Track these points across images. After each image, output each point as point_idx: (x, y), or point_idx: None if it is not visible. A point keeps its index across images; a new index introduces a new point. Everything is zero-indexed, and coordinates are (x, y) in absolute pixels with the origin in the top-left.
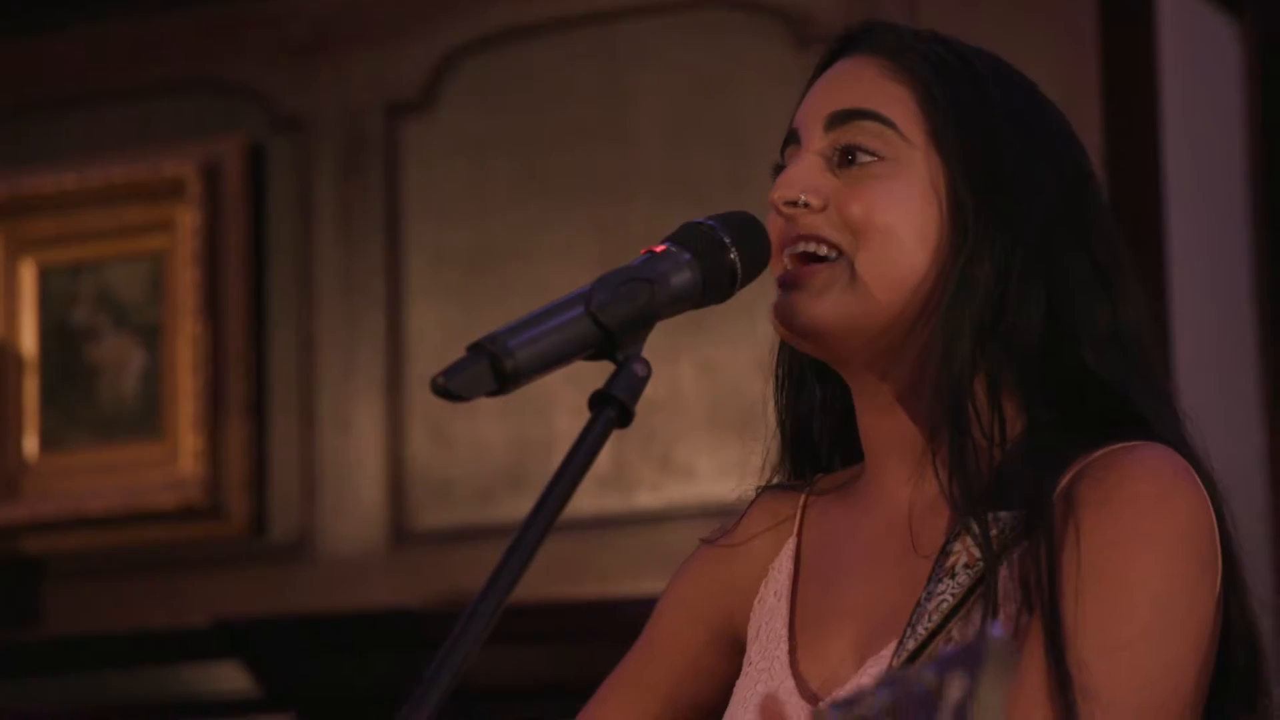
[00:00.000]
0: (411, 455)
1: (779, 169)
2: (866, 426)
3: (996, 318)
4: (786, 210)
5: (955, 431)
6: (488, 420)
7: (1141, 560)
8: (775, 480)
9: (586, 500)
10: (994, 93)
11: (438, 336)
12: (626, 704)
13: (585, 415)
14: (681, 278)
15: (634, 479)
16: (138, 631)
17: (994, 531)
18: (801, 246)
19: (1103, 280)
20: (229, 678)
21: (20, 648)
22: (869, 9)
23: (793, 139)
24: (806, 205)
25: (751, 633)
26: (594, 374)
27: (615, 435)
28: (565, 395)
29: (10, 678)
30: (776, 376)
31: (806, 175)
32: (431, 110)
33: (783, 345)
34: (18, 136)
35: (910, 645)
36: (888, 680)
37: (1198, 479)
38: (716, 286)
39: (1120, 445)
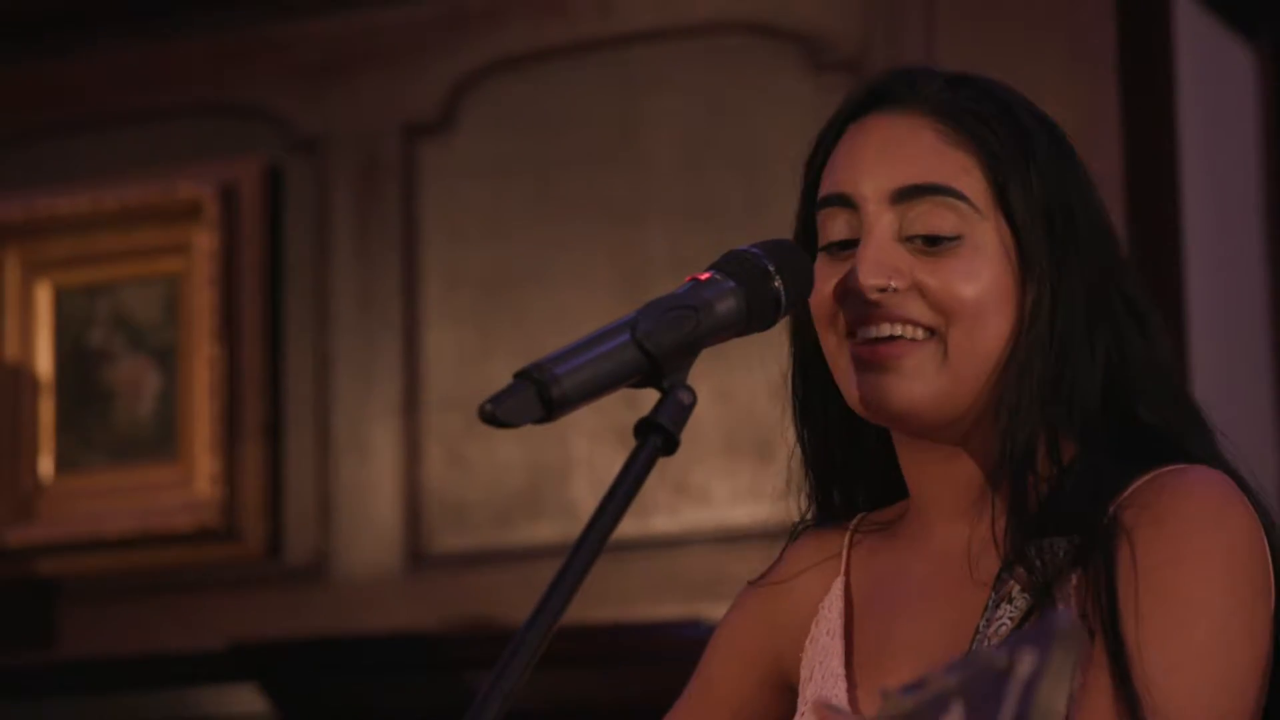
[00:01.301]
0: (428, 478)
1: (809, 215)
2: (916, 474)
3: (1060, 375)
4: (875, 297)
5: (1017, 480)
6: (504, 444)
7: (1200, 577)
8: (810, 513)
9: None
10: (1038, 141)
11: (454, 359)
12: None
13: (603, 440)
14: (726, 305)
15: (650, 504)
16: (153, 654)
17: (1048, 557)
18: (889, 330)
19: (1140, 321)
20: (244, 701)
21: (35, 670)
22: (887, 36)
23: (842, 202)
24: (895, 290)
25: (804, 674)
26: (611, 398)
27: None
28: (583, 419)
29: (25, 700)
30: (795, 406)
31: (888, 258)
32: (448, 133)
33: (797, 375)
34: (34, 158)
35: None
36: (957, 663)
37: (1246, 500)
38: (760, 314)
39: (1170, 468)
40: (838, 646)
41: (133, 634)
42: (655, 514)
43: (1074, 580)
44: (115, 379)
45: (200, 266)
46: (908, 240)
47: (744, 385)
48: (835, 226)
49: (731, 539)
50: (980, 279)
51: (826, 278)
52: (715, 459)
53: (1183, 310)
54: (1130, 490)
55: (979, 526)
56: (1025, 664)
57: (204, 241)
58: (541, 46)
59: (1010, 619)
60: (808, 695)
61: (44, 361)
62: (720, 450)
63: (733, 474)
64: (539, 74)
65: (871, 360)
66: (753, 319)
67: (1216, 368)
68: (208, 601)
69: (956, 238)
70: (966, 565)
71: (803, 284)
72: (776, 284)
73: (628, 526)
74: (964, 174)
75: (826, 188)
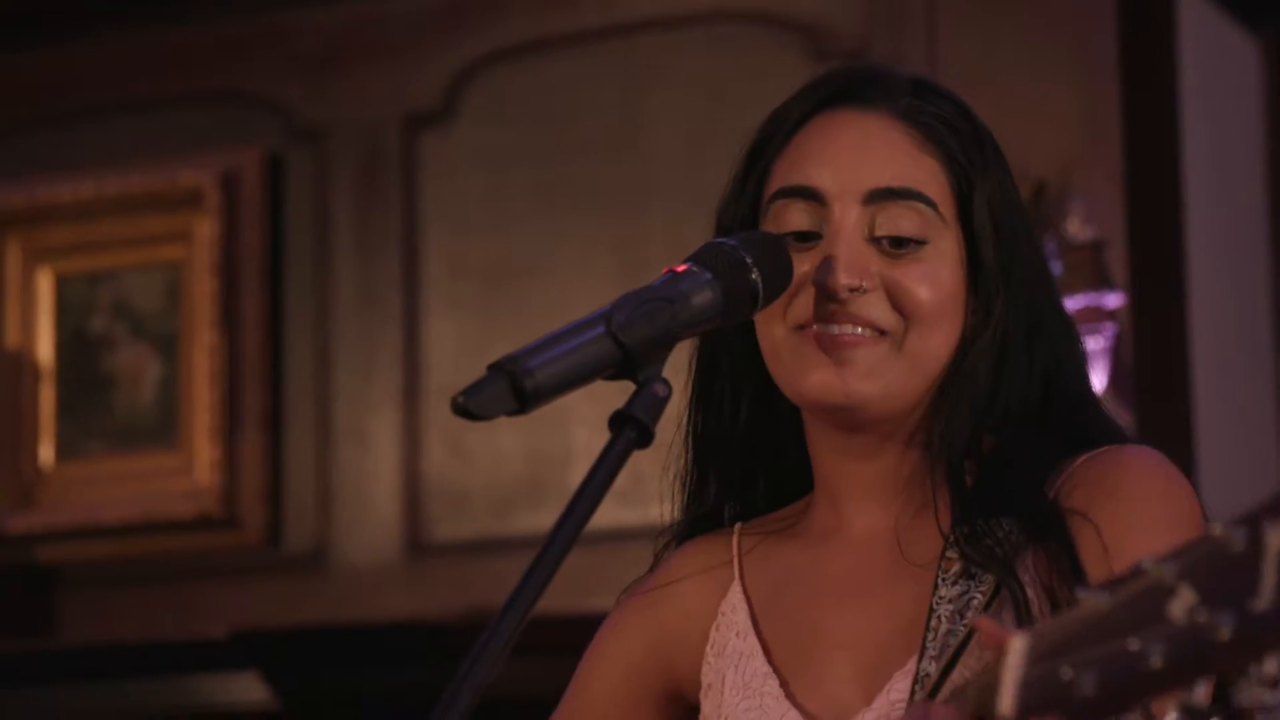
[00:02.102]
0: (428, 467)
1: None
2: (837, 468)
3: (997, 383)
4: (845, 296)
5: (954, 479)
6: (504, 433)
7: (1159, 539)
8: (677, 506)
9: (603, 514)
10: (991, 158)
11: (454, 349)
12: None
13: (603, 429)
14: (703, 298)
15: (651, 493)
16: (153, 641)
17: (1000, 536)
18: (851, 329)
19: (1064, 322)
20: (244, 688)
21: (35, 656)
22: (889, 26)
23: (807, 194)
24: (864, 290)
25: (706, 680)
26: (613, 388)
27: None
28: (583, 408)
29: (25, 686)
30: (696, 390)
31: (860, 259)
32: (449, 123)
33: (704, 359)
34: (36, 146)
35: (951, 642)
36: (1169, 554)
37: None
38: (737, 306)
39: (1105, 448)
40: (755, 647)
41: (133, 621)
42: (655, 503)
43: (1030, 557)
44: (116, 366)
45: (201, 254)
46: (874, 240)
47: None
48: (794, 217)
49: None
50: (939, 284)
51: (812, 290)
52: None
53: (1185, 301)
54: (1071, 469)
55: (904, 513)
56: (1276, 535)
57: (205, 229)
58: (543, 37)
59: (980, 593)
60: (725, 697)
61: (45, 349)
62: None
63: None
64: (540, 64)
65: (830, 349)
66: (730, 311)
67: (1219, 359)
68: (208, 589)
69: (922, 242)
70: (897, 550)
71: (781, 276)
72: (754, 276)
73: (627, 515)
74: (932, 180)
75: (790, 177)
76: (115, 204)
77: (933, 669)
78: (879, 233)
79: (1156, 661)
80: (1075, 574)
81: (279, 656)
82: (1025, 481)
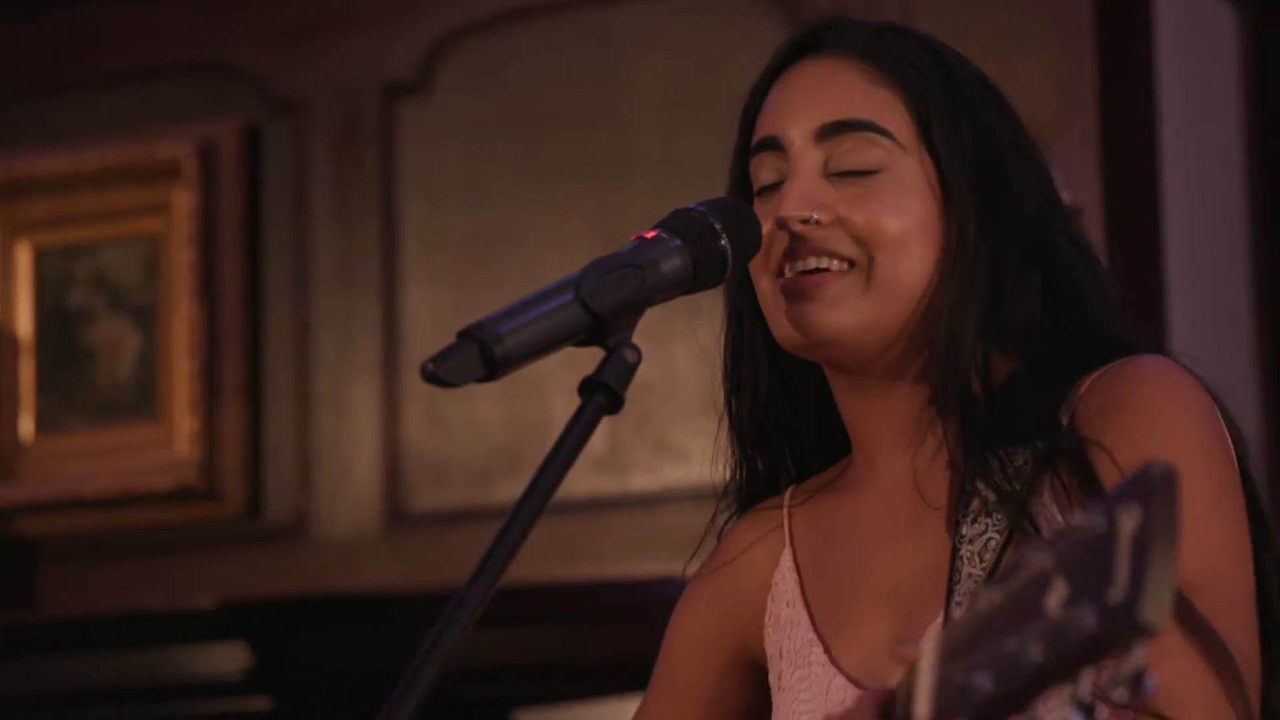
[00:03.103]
0: (407, 437)
1: (741, 168)
2: (858, 413)
3: (996, 308)
4: (799, 229)
5: (963, 399)
6: (483, 402)
7: (1184, 447)
8: (733, 486)
9: (581, 482)
10: (968, 86)
11: (433, 319)
12: None
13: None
14: (672, 264)
15: (629, 461)
16: (133, 613)
17: (1011, 470)
18: (815, 263)
19: (1079, 248)
20: (226, 659)
21: (15, 629)
22: None
23: (772, 145)
24: (818, 222)
25: (771, 650)
26: (591, 356)
27: (610, 417)
28: (562, 377)
29: (5, 659)
30: (728, 366)
31: (812, 192)
32: (427, 93)
33: (732, 335)
34: (13, 119)
35: (970, 587)
36: (1046, 540)
37: (1199, 381)
38: (707, 272)
39: (1114, 363)
40: (802, 615)
41: (113, 593)
42: (634, 471)
43: (1046, 486)
44: (95, 339)
45: (180, 226)
46: (834, 176)
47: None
48: (765, 172)
49: (710, 497)
50: (904, 212)
51: (776, 230)
52: (694, 417)
53: (1161, 268)
54: (1081, 389)
55: (922, 454)
56: (1129, 520)
57: (183, 201)
58: (521, 6)
59: (998, 533)
60: (783, 670)
61: (24, 322)
62: (699, 408)
63: (711, 432)
64: (519, 33)
65: (796, 290)
66: (699, 277)
67: (1195, 326)
68: (188, 561)
69: (878, 171)
70: (917, 495)
71: (750, 241)
72: (723, 242)
73: (607, 484)
74: (888, 111)
75: (758, 134)
76: (93, 177)
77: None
78: (836, 168)
79: (1037, 657)
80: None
81: (258, 627)
82: (1036, 408)
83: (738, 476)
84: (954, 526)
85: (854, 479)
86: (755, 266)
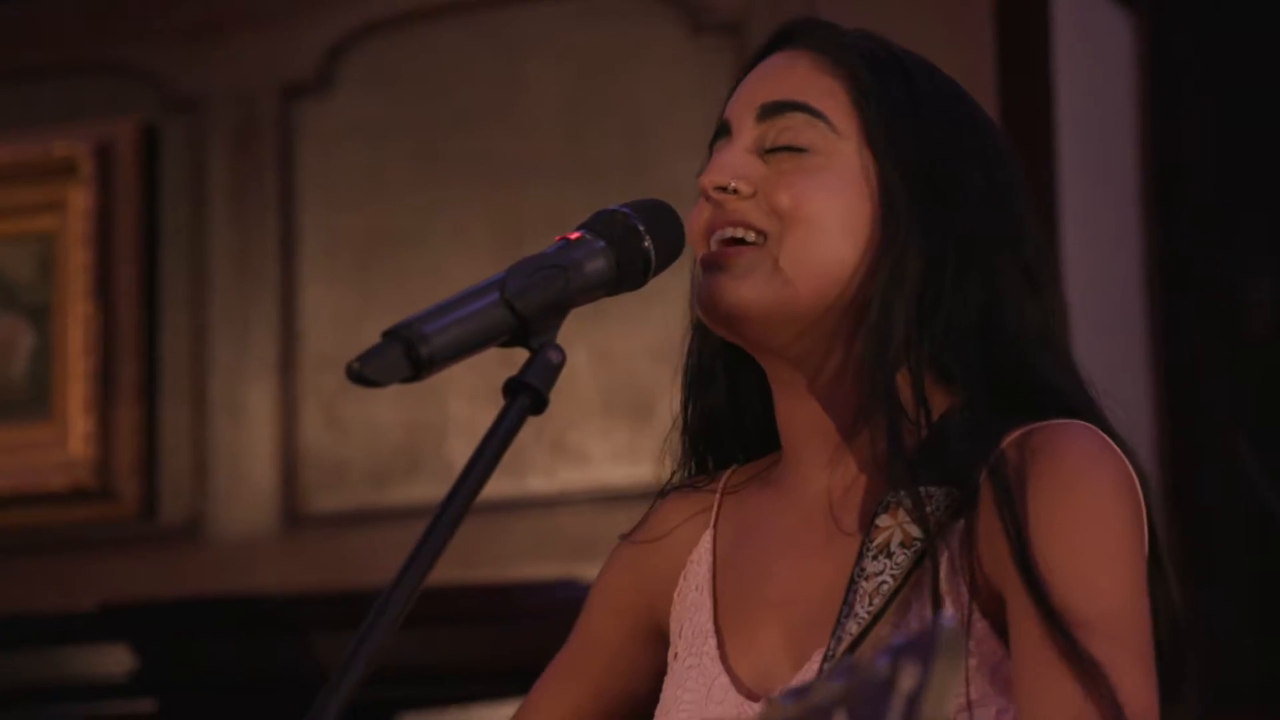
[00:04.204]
0: (304, 438)
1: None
2: (785, 413)
3: (931, 311)
4: (716, 196)
5: (889, 415)
6: (381, 404)
7: (1092, 511)
8: (678, 477)
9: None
10: (925, 91)
11: (331, 320)
12: (560, 698)
13: (480, 400)
14: (595, 265)
15: (527, 464)
16: (25, 613)
17: (929, 507)
18: (729, 232)
19: (1032, 282)
20: (116, 661)
21: None
22: (769, 1)
23: (724, 130)
24: (736, 191)
25: (674, 627)
26: (490, 360)
27: None
28: (460, 379)
29: None
30: (686, 369)
31: (737, 162)
32: (326, 93)
33: (694, 339)
34: None
35: (853, 629)
36: (840, 670)
37: (1121, 453)
38: (630, 274)
39: (1046, 423)
40: (706, 601)
41: (5, 593)
42: (532, 474)
43: (956, 531)
44: None
45: (75, 225)
46: (768, 153)
47: (622, 345)
48: (714, 154)
49: (609, 499)
50: (828, 193)
51: (702, 204)
52: (592, 419)
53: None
54: (1007, 442)
55: (841, 470)
56: (908, 677)
57: (79, 200)
58: (421, 7)
59: (891, 576)
60: (679, 649)
61: None
62: (598, 410)
63: (610, 434)
64: (418, 34)
65: (711, 261)
66: (623, 279)
67: (1089, 337)
68: (82, 561)
69: (808, 150)
70: (831, 515)
71: (673, 244)
72: (646, 244)
73: (504, 486)
74: (827, 97)
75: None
76: None
77: (838, 651)
78: (769, 144)
79: None
80: (1019, 533)
81: (150, 628)
82: (961, 452)
83: (686, 471)
84: (858, 557)
85: (780, 481)
86: (692, 244)
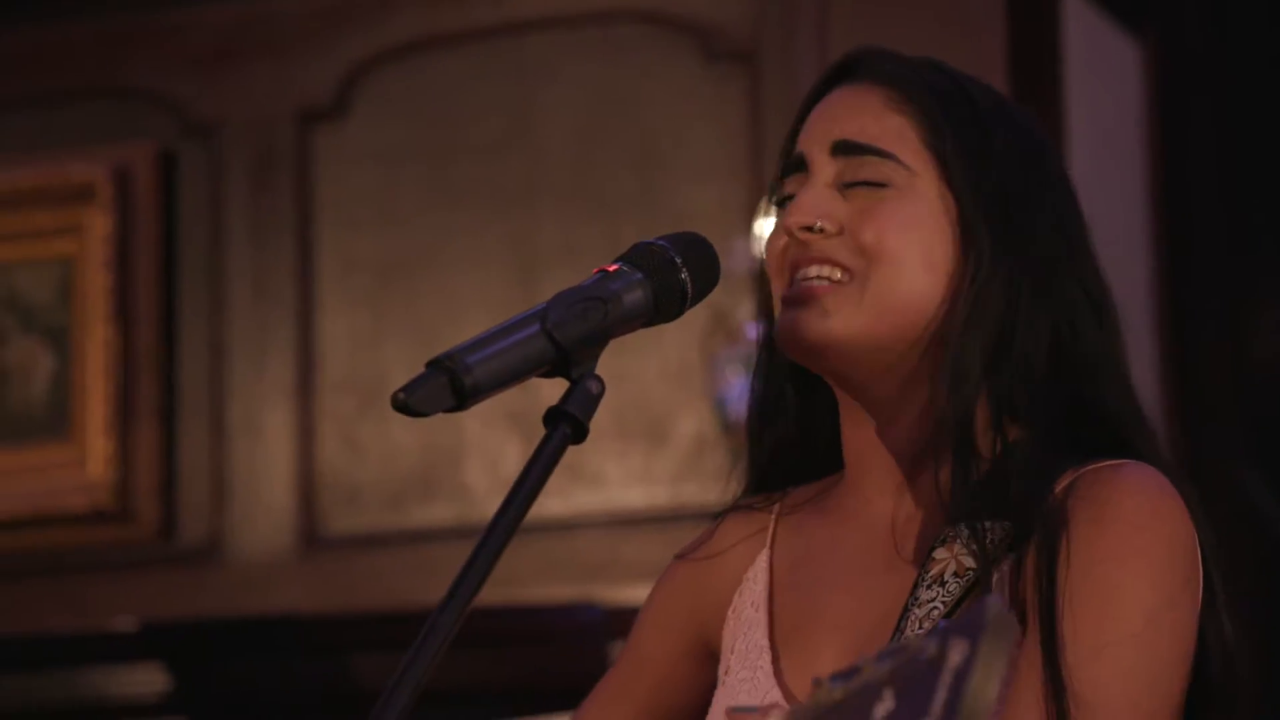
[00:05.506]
0: (321, 461)
1: (776, 191)
2: (854, 441)
3: (1007, 343)
4: (802, 236)
5: (960, 449)
6: (398, 427)
7: (1134, 572)
8: (741, 497)
9: (494, 507)
10: (992, 119)
11: (347, 343)
12: (608, 714)
13: (494, 424)
14: (634, 297)
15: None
16: (45, 635)
17: (987, 541)
18: (815, 270)
19: (1096, 310)
20: (138, 681)
21: None
22: (781, 24)
23: (797, 166)
24: (822, 230)
25: (726, 643)
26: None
27: (523, 444)
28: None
29: None
30: (754, 398)
31: (820, 202)
32: (342, 119)
33: (761, 366)
34: None
35: None
36: (888, 651)
37: (1181, 500)
38: (667, 305)
39: (1109, 463)
40: (762, 618)
41: (25, 615)
42: (548, 496)
43: (1007, 566)
44: (8, 360)
45: (94, 249)
46: (848, 188)
47: (637, 369)
48: (789, 187)
49: (624, 522)
50: (910, 228)
51: (777, 232)
52: (608, 442)
53: None
54: (1069, 480)
55: (905, 498)
56: (956, 653)
57: (98, 224)
58: (435, 34)
59: (943, 603)
60: (731, 665)
61: None
62: (613, 433)
63: (625, 457)
64: (432, 61)
65: (795, 297)
66: (659, 310)
67: None
68: (101, 583)
69: (889, 185)
70: (893, 540)
71: (708, 276)
72: (683, 275)
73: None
74: (899, 138)
75: (787, 157)
76: (6, 198)
77: None
78: (848, 179)
79: None
80: (1049, 588)
81: (171, 649)
82: (1028, 485)
83: (750, 490)
84: (914, 586)
85: (841, 505)
86: (770, 274)
